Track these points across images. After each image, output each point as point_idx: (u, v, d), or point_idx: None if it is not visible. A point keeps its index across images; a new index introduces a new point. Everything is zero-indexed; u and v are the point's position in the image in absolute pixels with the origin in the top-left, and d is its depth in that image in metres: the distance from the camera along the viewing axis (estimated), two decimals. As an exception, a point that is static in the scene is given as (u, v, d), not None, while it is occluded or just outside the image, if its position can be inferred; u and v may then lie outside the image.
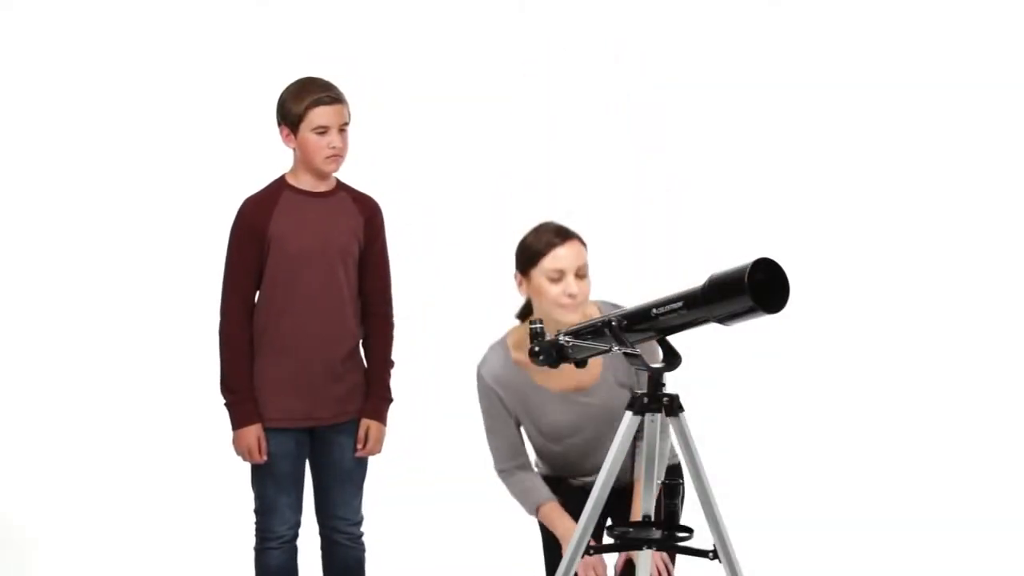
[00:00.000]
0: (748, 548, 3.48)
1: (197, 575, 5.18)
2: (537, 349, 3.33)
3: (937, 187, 5.95)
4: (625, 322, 3.22)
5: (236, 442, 3.82)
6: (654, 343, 3.24)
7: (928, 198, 5.95)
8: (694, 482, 3.24)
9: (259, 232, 3.77)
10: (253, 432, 3.79)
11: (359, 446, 3.90)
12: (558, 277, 3.55)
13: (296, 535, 3.92)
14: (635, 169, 6.02)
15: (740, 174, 5.99)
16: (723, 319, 3.08)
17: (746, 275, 2.98)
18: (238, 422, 3.81)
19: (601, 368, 3.70)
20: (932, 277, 5.92)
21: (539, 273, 3.57)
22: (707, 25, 6.03)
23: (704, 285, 3.08)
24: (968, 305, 5.91)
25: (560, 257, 3.57)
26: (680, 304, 3.13)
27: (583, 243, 3.62)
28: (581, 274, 3.57)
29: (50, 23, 5.96)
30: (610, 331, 3.22)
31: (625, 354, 3.22)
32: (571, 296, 3.55)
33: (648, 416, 3.24)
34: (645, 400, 3.23)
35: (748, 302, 2.99)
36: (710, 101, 6.00)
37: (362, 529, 3.99)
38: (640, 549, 3.36)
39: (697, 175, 6.05)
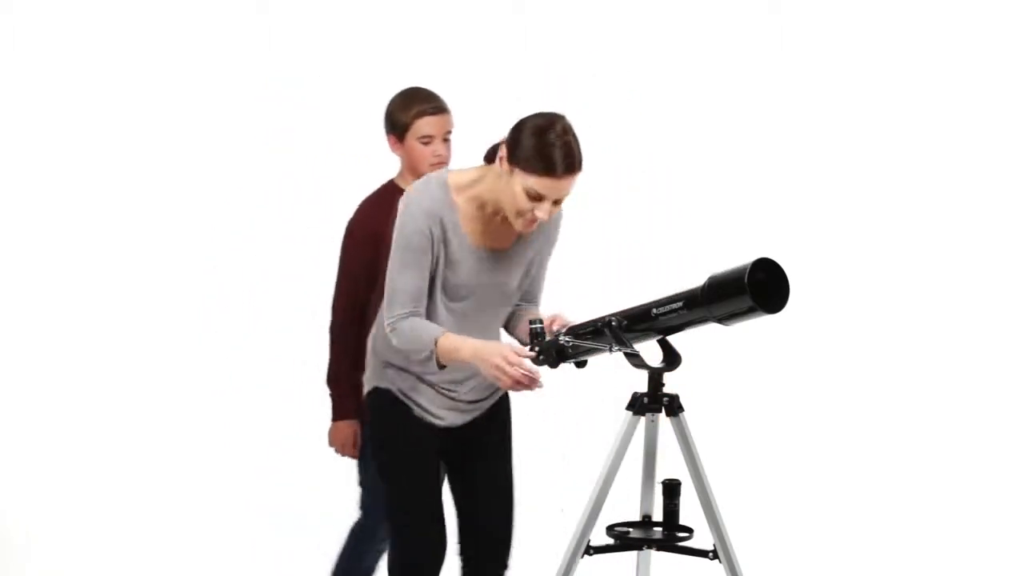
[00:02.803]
0: (748, 548, 3.49)
1: (197, 575, 5.19)
2: (537, 349, 3.33)
3: (936, 187, 5.94)
4: (625, 322, 3.22)
5: (332, 434, 3.98)
6: None
7: (927, 198, 5.94)
8: (694, 482, 3.24)
9: (377, 235, 3.82)
10: (349, 427, 3.94)
11: None
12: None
13: None
14: (635, 169, 6.01)
15: (739, 174, 5.98)
16: (723, 319, 3.09)
17: (746, 275, 2.99)
18: (337, 415, 3.96)
19: (527, 239, 3.49)
20: (932, 277, 5.91)
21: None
22: (707, 25, 6.02)
23: (704, 285, 3.09)
24: (968, 305, 5.90)
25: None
26: (680, 304, 3.14)
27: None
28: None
29: (41, 26, 5.96)
30: (610, 331, 3.22)
31: (625, 354, 3.22)
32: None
33: (648, 416, 3.24)
34: (645, 400, 3.23)
35: (748, 302, 2.99)
36: (709, 101, 5.99)
37: None
38: (640, 549, 3.36)
39: (696, 175, 6.04)
